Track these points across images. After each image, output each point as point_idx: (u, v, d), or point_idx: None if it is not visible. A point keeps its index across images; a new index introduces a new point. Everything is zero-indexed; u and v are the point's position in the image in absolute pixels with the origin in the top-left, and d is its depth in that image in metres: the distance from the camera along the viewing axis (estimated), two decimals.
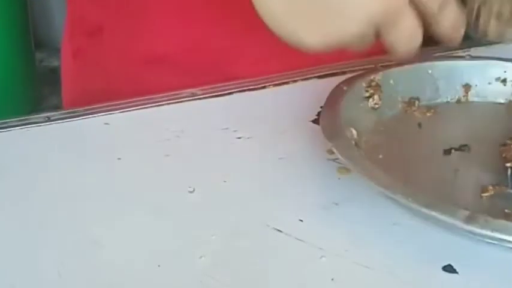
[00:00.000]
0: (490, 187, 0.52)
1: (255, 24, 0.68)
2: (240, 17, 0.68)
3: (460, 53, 0.72)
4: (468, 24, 0.58)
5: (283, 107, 0.64)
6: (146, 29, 0.71)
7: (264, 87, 0.67)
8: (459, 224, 0.45)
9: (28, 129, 0.61)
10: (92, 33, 0.74)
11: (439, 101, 0.64)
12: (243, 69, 0.69)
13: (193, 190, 0.54)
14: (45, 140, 0.60)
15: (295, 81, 0.69)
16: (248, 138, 0.60)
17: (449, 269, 0.46)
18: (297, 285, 0.45)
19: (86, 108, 0.64)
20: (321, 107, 0.58)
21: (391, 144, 0.58)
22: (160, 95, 0.66)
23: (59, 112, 0.64)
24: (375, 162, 0.53)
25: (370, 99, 0.61)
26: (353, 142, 0.54)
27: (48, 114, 0.63)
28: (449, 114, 0.63)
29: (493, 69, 0.64)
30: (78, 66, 0.78)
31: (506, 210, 0.50)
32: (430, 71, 0.64)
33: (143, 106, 0.65)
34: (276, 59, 0.69)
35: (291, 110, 0.64)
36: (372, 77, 0.61)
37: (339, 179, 0.55)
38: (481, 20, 0.62)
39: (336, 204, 0.52)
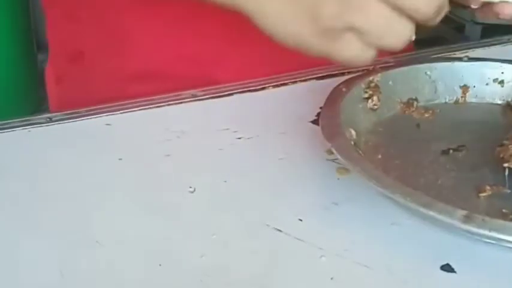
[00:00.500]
0: (488, 187, 0.53)
1: (237, 35, 0.68)
2: (221, 30, 0.68)
3: (458, 54, 0.72)
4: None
5: (283, 107, 0.65)
6: (129, 47, 0.70)
7: (263, 88, 0.68)
8: (457, 223, 0.45)
9: (30, 129, 0.62)
10: (74, 58, 0.74)
11: (437, 102, 0.64)
12: (228, 77, 0.69)
13: (194, 190, 0.54)
14: (47, 141, 0.60)
15: (294, 82, 0.69)
16: (248, 138, 0.61)
17: (447, 268, 0.47)
18: (296, 284, 0.46)
19: (88, 109, 0.64)
20: (321, 108, 0.58)
21: (390, 144, 0.59)
22: (161, 96, 0.66)
23: (61, 113, 0.64)
24: (373, 163, 0.53)
25: (369, 100, 0.61)
26: (352, 142, 0.55)
27: (50, 115, 0.63)
28: (447, 115, 0.63)
29: (491, 71, 0.65)
30: (61, 91, 0.78)
31: (503, 210, 0.51)
32: (428, 73, 0.64)
33: (144, 107, 0.65)
34: (260, 67, 0.69)
35: (291, 111, 0.64)
36: (370, 78, 0.62)
37: (338, 179, 0.55)
38: None
39: (335, 204, 0.52)
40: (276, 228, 0.50)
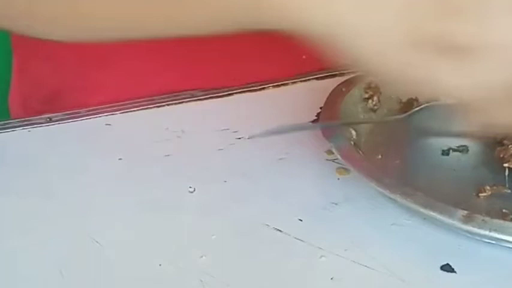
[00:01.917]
0: (488, 187, 0.52)
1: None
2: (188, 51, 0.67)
3: None
4: None
5: (283, 107, 0.65)
6: (105, 82, 0.69)
7: (263, 88, 0.68)
8: (457, 223, 0.45)
9: (30, 129, 0.62)
10: (49, 99, 0.72)
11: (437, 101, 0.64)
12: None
13: (194, 190, 0.54)
14: (47, 141, 0.60)
15: (294, 82, 0.69)
16: (248, 138, 0.61)
17: (447, 268, 0.47)
18: (296, 284, 0.46)
19: (88, 109, 0.64)
20: (321, 108, 0.58)
21: (390, 144, 0.59)
22: (161, 96, 0.66)
23: (61, 113, 0.64)
24: (373, 163, 0.54)
25: (370, 100, 0.61)
26: (352, 143, 0.55)
27: (50, 115, 0.63)
28: (447, 114, 0.63)
29: None
30: None
31: (504, 210, 0.51)
32: None
33: (144, 107, 0.65)
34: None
35: (291, 111, 0.64)
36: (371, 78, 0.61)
37: (338, 179, 0.55)
38: None
39: (335, 204, 0.52)
40: (276, 228, 0.50)
